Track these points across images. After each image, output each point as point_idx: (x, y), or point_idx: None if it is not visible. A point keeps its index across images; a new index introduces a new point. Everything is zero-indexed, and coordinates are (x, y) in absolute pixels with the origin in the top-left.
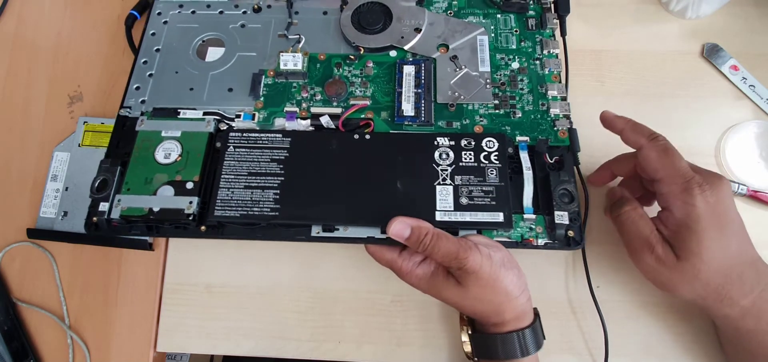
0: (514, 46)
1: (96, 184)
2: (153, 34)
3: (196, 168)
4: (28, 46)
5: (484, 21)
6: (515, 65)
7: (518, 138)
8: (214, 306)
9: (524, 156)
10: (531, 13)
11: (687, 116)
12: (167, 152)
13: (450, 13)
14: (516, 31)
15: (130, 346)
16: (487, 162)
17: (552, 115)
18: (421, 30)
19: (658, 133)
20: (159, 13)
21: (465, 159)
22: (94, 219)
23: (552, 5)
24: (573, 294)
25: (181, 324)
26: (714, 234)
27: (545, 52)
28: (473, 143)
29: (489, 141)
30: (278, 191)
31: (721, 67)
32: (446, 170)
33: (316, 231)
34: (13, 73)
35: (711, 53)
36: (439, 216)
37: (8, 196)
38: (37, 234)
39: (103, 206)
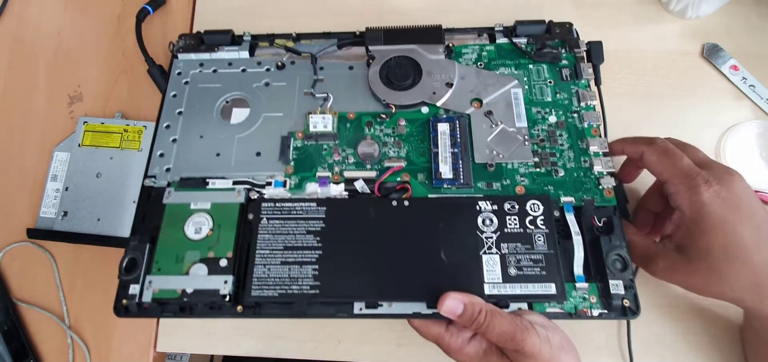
0: (549, 99)
1: (124, 264)
2: (174, 95)
3: (229, 243)
4: (28, 46)
5: (516, 72)
6: (553, 119)
7: (563, 199)
8: None
9: (571, 219)
10: (564, 62)
11: (687, 116)
12: (198, 226)
13: (480, 64)
14: (550, 82)
15: (130, 346)
16: (533, 227)
17: (596, 173)
18: (452, 84)
19: (656, 137)
20: (179, 73)
21: (510, 225)
22: (124, 301)
23: (585, 54)
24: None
25: (181, 324)
26: (731, 229)
27: (582, 104)
28: (517, 207)
29: (533, 204)
30: (317, 266)
31: (721, 67)
32: (491, 237)
33: (358, 308)
34: (13, 73)
35: (711, 53)
36: (488, 290)
37: (8, 196)
38: (37, 234)
39: (134, 288)
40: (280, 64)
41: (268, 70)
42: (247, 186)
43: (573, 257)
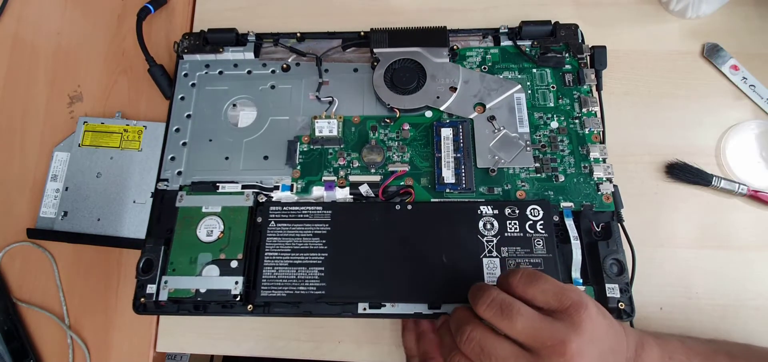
0: (551, 104)
1: (141, 265)
2: (182, 98)
3: (239, 245)
4: (28, 46)
5: (520, 77)
6: (554, 124)
7: (563, 204)
8: None
9: (570, 224)
10: (567, 67)
11: (687, 116)
12: (209, 229)
13: (484, 68)
14: (553, 87)
15: (130, 346)
16: (532, 231)
17: (595, 179)
18: (456, 88)
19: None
20: (186, 75)
21: (510, 229)
22: (142, 299)
23: (588, 59)
24: None
25: (181, 324)
26: None
27: (584, 110)
28: (517, 212)
29: (533, 208)
30: (323, 268)
31: (721, 67)
32: (492, 241)
33: (362, 308)
34: (13, 73)
35: (711, 53)
36: None
37: (8, 196)
38: (37, 234)
39: (151, 288)
40: (285, 66)
41: (273, 72)
42: (256, 190)
43: (571, 261)
